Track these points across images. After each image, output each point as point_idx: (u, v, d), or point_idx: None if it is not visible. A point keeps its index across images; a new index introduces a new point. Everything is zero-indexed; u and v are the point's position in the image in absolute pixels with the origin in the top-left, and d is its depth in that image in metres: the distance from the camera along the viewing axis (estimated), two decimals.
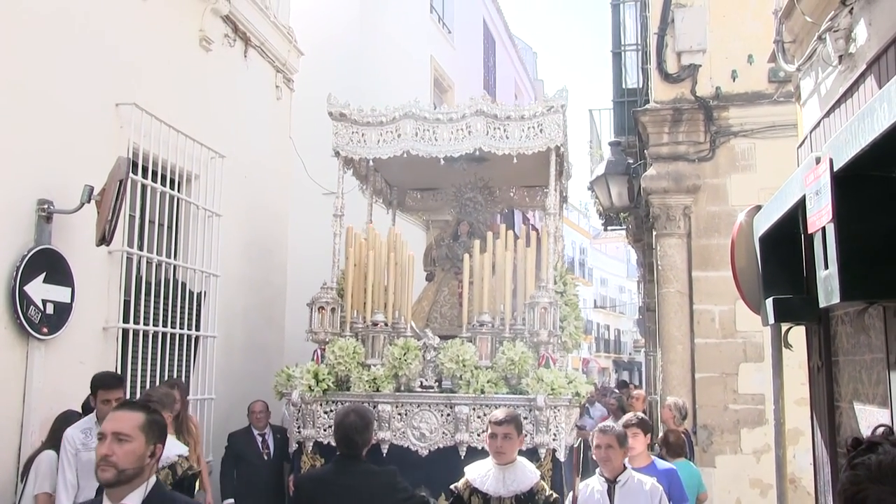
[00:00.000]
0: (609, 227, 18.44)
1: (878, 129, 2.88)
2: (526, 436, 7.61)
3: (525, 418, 7.63)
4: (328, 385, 8.18)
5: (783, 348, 5.38)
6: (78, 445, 5.90)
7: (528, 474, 5.23)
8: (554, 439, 7.66)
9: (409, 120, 8.71)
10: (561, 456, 7.65)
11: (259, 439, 8.92)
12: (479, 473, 5.26)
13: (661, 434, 8.92)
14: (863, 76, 4.27)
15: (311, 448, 8.08)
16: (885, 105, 2.80)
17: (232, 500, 8.66)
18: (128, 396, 7.18)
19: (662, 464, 6.72)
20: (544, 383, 7.68)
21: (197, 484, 5.94)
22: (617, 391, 18.58)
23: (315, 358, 8.47)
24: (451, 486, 5.42)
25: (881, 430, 2.09)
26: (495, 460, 5.21)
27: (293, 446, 8.31)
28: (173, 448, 5.42)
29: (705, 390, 10.08)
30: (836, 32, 4.53)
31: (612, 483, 5.46)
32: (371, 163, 9.54)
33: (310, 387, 8.11)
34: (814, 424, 5.23)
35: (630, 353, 60.16)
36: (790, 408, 5.75)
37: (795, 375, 5.96)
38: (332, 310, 8.61)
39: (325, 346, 8.44)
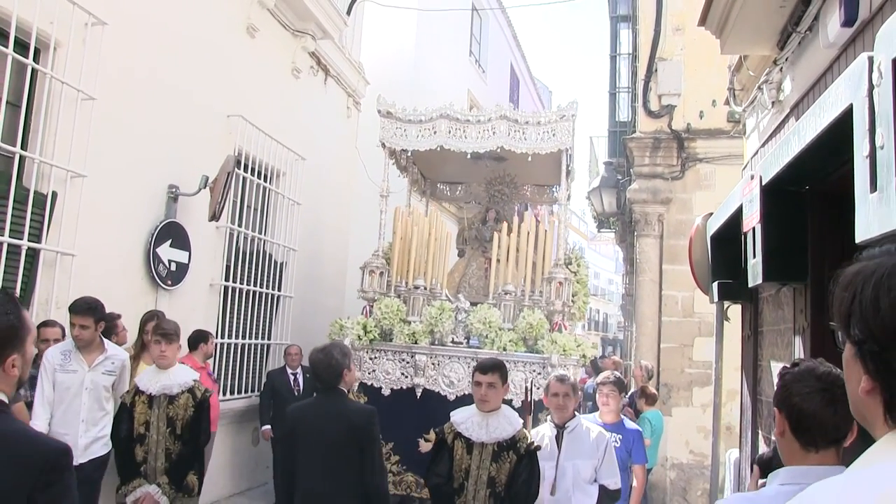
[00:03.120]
0: (601, 230, 18.44)
1: (791, 155, 3.08)
2: (538, 388, 7.21)
3: (539, 374, 7.44)
4: (374, 336, 7.97)
5: (724, 321, 5.57)
6: (55, 365, 5.13)
7: (511, 422, 4.44)
8: None
9: (444, 120, 8.34)
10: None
11: (291, 377, 8.61)
12: (463, 419, 4.50)
13: (637, 387, 9.09)
14: (787, 117, 4.39)
15: (356, 387, 7.76)
16: (797, 138, 2.97)
17: (268, 427, 8.39)
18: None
19: (630, 424, 6.08)
20: (557, 345, 7.42)
21: None
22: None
23: (364, 313, 8.28)
24: (436, 430, 4.66)
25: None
26: (479, 408, 4.45)
27: None
28: (189, 374, 5.22)
29: (668, 357, 10.14)
30: (770, 84, 4.62)
31: (561, 429, 4.82)
32: (410, 154, 9.20)
33: (359, 336, 7.90)
34: (742, 380, 5.29)
35: (614, 333, 59.87)
36: (730, 372, 5.78)
37: (735, 347, 5.97)
38: (381, 273, 8.40)
39: (374, 304, 8.21)
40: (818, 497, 1.05)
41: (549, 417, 5.05)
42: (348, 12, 10.74)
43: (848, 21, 3.23)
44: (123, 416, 5.04)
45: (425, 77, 15.58)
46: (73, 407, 5.20)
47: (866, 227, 2.18)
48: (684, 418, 9.92)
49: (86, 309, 5.20)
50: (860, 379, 1.15)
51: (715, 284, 5.00)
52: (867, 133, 2.16)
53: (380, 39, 14.03)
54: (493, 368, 4.47)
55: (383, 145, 8.72)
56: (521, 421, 4.57)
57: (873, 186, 2.12)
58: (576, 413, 4.99)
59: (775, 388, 2.24)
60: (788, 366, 2.25)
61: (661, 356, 10.17)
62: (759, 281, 3.72)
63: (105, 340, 5.48)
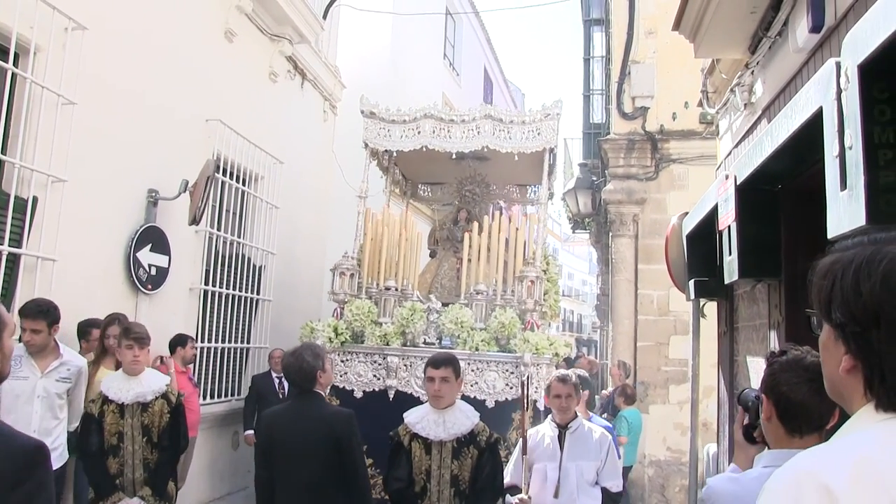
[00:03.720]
0: (576, 231, 18.52)
1: (764, 155, 3.19)
2: (511, 388, 7.20)
3: (512, 373, 7.33)
4: (345, 338, 7.79)
5: (700, 318, 5.70)
6: None
7: (468, 416, 4.32)
8: (536, 391, 7.06)
9: (428, 120, 8.25)
10: (541, 405, 6.93)
11: (276, 381, 8.49)
12: (418, 418, 4.32)
13: (615, 386, 9.21)
14: (759, 119, 4.51)
15: (328, 390, 7.44)
16: (769, 138, 3.08)
17: (251, 432, 8.14)
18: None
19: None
20: (530, 344, 7.29)
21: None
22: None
23: (335, 315, 8.05)
24: (391, 433, 4.41)
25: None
26: (433, 404, 4.31)
27: None
28: (161, 378, 5.01)
29: (644, 355, 10.27)
30: (742, 87, 4.75)
31: (563, 429, 4.66)
32: (394, 154, 8.99)
33: (329, 338, 7.69)
34: (719, 375, 5.41)
35: (588, 334, 60.15)
36: (707, 369, 5.89)
37: (711, 344, 6.00)
38: (352, 275, 8.20)
39: (345, 306, 8.02)
40: (803, 463, 1.15)
41: (549, 417, 4.88)
42: (324, 16, 10.78)
43: (815, 27, 3.37)
44: (91, 427, 4.71)
45: (400, 80, 15.64)
46: (24, 416, 4.82)
47: (837, 223, 2.29)
48: (661, 416, 10.06)
49: (37, 312, 4.89)
50: (839, 360, 1.25)
51: (691, 282, 5.11)
52: (836, 134, 2.27)
53: (355, 43, 14.06)
54: (446, 362, 4.30)
55: (366, 146, 8.59)
56: (478, 413, 4.42)
57: (843, 185, 2.24)
58: (577, 413, 4.84)
59: (762, 374, 2.33)
60: (776, 352, 2.34)
61: (637, 354, 10.32)
62: (735, 278, 3.84)
63: (61, 345, 5.18)
